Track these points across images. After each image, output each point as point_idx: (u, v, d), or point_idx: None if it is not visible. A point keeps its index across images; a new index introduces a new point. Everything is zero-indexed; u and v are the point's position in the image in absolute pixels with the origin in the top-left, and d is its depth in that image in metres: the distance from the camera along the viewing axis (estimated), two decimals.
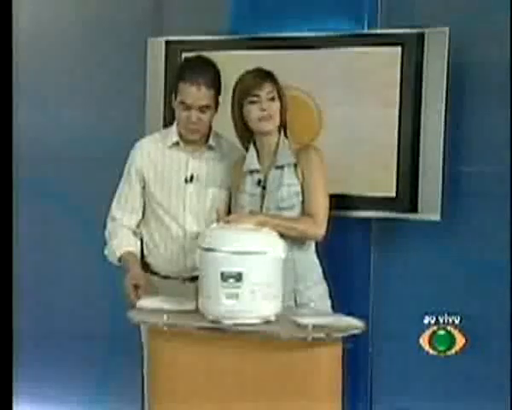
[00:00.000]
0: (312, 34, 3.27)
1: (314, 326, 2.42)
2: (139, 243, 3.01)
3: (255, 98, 2.77)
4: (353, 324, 2.53)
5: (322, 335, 2.40)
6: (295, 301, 2.78)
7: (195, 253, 2.63)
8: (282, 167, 2.80)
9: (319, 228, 2.74)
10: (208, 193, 2.95)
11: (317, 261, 2.85)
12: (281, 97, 2.81)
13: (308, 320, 2.45)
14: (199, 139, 2.95)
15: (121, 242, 2.97)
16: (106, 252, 3.03)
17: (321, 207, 2.76)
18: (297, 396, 2.42)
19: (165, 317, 2.52)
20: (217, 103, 2.92)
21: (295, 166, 2.79)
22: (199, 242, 2.61)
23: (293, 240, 2.75)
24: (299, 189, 2.78)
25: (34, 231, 3.83)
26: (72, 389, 3.84)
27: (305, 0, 3.35)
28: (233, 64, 3.22)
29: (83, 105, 3.75)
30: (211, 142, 2.98)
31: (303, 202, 2.78)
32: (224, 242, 2.49)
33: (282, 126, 2.85)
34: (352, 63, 3.23)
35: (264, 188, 2.81)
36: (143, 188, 2.99)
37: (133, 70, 3.58)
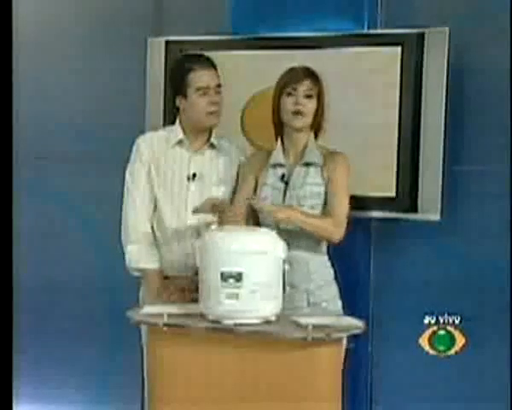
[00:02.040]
0: (313, 34, 3.27)
1: (314, 326, 2.41)
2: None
3: (292, 91, 2.80)
4: (353, 324, 2.53)
5: (322, 335, 2.40)
6: (308, 301, 2.79)
7: (196, 252, 2.63)
8: (307, 165, 2.82)
9: (338, 231, 2.77)
10: (210, 191, 2.95)
11: (328, 262, 2.87)
12: (319, 98, 2.83)
13: (308, 320, 2.45)
14: (206, 138, 2.97)
15: (144, 252, 2.94)
16: (127, 256, 2.96)
17: (343, 210, 2.78)
18: (297, 396, 2.42)
19: (165, 317, 2.52)
20: None
21: (321, 167, 2.81)
22: (199, 241, 2.61)
23: (307, 240, 2.78)
24: (322, 190, 2.80)
25: (34, 230, 3.83)
26: (72, 389, 3.84)
27: (305, 0, 3.35)
28: (233, 64, 3.23)
29: (83, 105, 3.75)
30: (212, 140, 2.99)
31: (325, 203, 2.80)
32: (223, 242, 2.49)
33: (316, 127, 2.87)
34: (352, 63, 3.23)
35: (286, 183, 2.82)
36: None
37: (133, 70, 3.58)
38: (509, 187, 3.15)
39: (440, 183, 3.14)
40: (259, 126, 3.34)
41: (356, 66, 3.23)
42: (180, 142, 2.98)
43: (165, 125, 3.31)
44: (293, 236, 2.75)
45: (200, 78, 2.90)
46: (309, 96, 2.81)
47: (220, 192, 2.96)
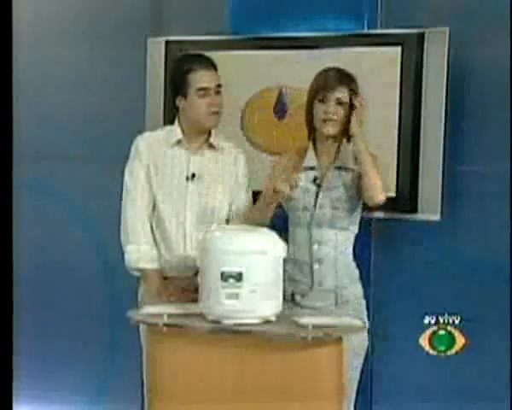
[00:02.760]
0: (312, 34, 3.28)
1: (314, 326, 2.41)
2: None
3: (324, 98, 2.76)
4: (353, 324, 2.53)
5: (322, 335, 2.40)
6: (335, 300, 2.80)
7: (196, 252, 2.64)
8: (340, 169, 2.82)
9: (383, 194, 2.73)
10: (209, 192, 2.95)
11: (353, 262, 2.87)
12: (353, 102, 2.75)
13: (308, 320, 2.45)
14: (205, 138, 2.97)
15: (143, 252, 2.93)
16: (126, 256, 2.95)
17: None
18: (297, 396, 2.42)
19: (165, 317, 2.52)
20: None
21: (353, 171, 2.80)
22: (199, 241, 2.61)
23: (336, 239, 2.79)
24: (355, 193, 2.80)
25: (34, 230, 3.83)
26: (72, 390, 3.84)
27: (305, 0, 3.35)
28: (233, 64, 3.23)
29: (83, 105, 3.75)
30: (212, 140, 2.99)
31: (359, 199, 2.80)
32: (223, 242, 2.49)
33: (349, 131, 2.79)
34: (352, 63, 3.22)
35: (319, 186, 2.81)
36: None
37: (133, 70, 3.58)
38: (509, 187, 3.15)
39: (440, 183, 3.15)
40: (259, 126, 3.35)
41: (356, 66, 3.22)
42: (179, 142, 2.97)
43: (165, 124, 3.31)
44: (324, 235, 2.77)
45: (200, 78, 2.90)
46: (341, 103, 2.76)
47: (219, 192, 2.96)
